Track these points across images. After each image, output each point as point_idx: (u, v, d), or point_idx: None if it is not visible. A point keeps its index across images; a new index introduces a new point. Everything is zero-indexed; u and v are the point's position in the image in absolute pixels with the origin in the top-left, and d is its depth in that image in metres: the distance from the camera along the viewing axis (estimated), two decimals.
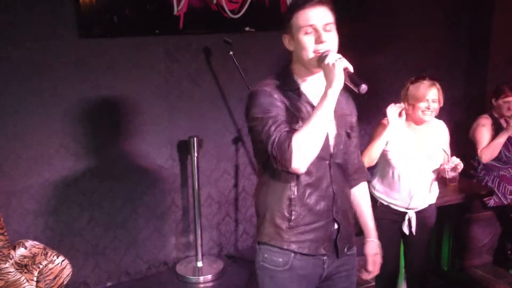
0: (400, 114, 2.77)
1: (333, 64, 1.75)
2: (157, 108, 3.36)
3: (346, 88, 1.80)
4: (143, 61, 3.26)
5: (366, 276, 2.21)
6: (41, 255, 2.67)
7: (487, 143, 3.65)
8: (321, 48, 1.80)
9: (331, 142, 1.94)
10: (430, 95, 2.76)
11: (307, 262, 1.95)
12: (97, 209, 3.31)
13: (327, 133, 1.90)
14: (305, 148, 1.75)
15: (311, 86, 1.91)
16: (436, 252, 3.75)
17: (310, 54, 1.82)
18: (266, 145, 1.77)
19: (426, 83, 2.78)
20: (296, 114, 1.85)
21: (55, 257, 2.69)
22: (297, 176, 1.87)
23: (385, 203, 2.94)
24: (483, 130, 3.72)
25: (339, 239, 1.98)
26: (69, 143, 3.14)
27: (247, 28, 3.45)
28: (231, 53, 3.16)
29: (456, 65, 4.36)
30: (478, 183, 3.74)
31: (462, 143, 3.68)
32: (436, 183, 2.94)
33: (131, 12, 3.13)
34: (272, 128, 1.78)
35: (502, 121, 3.74)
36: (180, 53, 3.38)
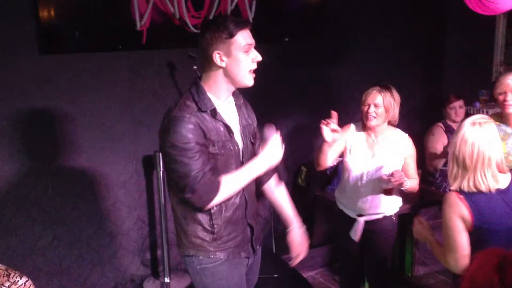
0: (334, 130, 2.48)
1: (277, 151, 2.09)
2: (122, 123, 3.34)
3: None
4: (106, 76, 3.24)
5: (294, 263, 2.37)
6: (3, 276, 2.59)
7: (435, 147, 3.85)
8: (254, 66, 2.03)
9: (240, 154, 2.14)
10: (371, 99, 2.82)
11: (232, 264, 2.17)
12: (60, 227, 3.25)
13: (237, 147, 2.12)
14: (226, 193, 2.03)
15: (224, 104, 2.10)
16: (399, 258, 3.85)
17: (246, 72, 2.02)
18: (184, 177, 1.95)
19: (373, 88, 2.86)
20: (212, 137, 2.01)
21: (18, 277, 2.61)
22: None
23: (340, 207, 3.03)
24: (432, 139, 3.93)
25: (254, 240, 2.24)
26: (29, 161, 3.08)
27: None
28: (195, 67, 3.18)
29: (413, 76, 4.51)
30: (437, 189, 3.88)
31: (421, 151, 3.82)
32: (397, 196, 3.00)
33: (93, 28, 3.11)
34: (192, 164, 1.94)
35: (456, 127, 3.93)
36: (144, 68, 3.38)
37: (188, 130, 1.94)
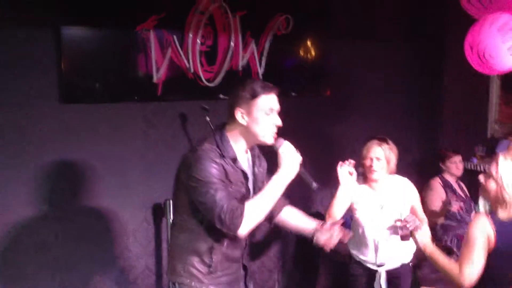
0: (350, 173, 2.85)
1: (293, 157, 2.14)
2: (134, 171, 3.42)
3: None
4: (121, 125, 3.36)
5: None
6: None
7: (434, 204, 3.94)
8: (274, 130, 2.16)
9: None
10: (373, 153, 2.93)
11: None
12: (69, 273, 3.25)
13: (249, 192, 2.23)
14: (254, 217, 2.10)
15: (242, 153, 2.23)
16: None
17: (266, 133, 2.15)
18: (212, 208, 2.06)
19: (372, 141, 2.96)
20: (231, 180, 2.14)
21: None
22: (218, 229, 2.12)
23: (357, 259, 3.07)
24: (430, 194, 4.03)
25: (247, 280, 2.37)
26: (46, 207, 3.13)
27: (221, 96, 3.64)
28: (208, 119, 3.30)
29: (410, 130, 4.68)
30: (438, 243, 3.94)
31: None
32: (411, 241, 3.06)
33: (112, 80, 3.26)
34: (218, 194, 2.06)
35: (453, 182, 4.05)
36: (157, 118, 3.50)
37: (212, 167, 2.08)
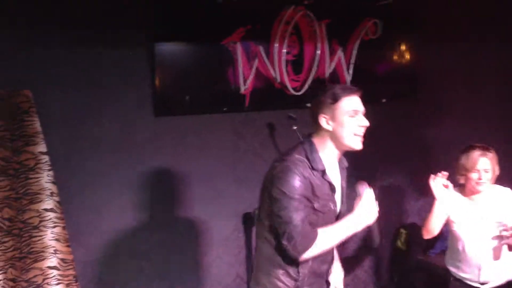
0: (445, 185, 2.73)
1: (371, 208, 2.13)
2: (224, 181, 3.50)
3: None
4: (211, 136, 3.45)
5: None
6: None
7: None
8: (362, 131, 2.12)
9: (337, 213, 2.22)
10: (481, 165, 2.73)
11: None
12: (163, 281, 3.38)
13: (335, 206, 2.20)
14: (320, 248, 2.08)
15: (331, 163, 2.19)
16: None
17: (352, 135, 2.10)
18: (286, 224, 2.03)
19: (476, 152, 2.75)
20: (317, 194, 2.10)
21: None
22: None
23: (457, 277, 2.87)
24: None
25: None
26: (141, 215, 3.29)
27: (308, 105, 3.61)
28: (295, 127, 3.30)
29: (508, 135, 4.32)
30: None
31: None
32: None
33: (202, 92, 3.37)
34: (297, 212, 2.03)
35: None
36: (245, 129, 3.56)
37: (298, 182, 2.05)
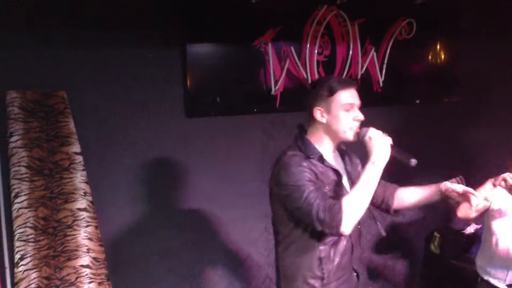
0: (486, 199, 2.60)
1: (382, 140, 2.01)
2: (253, 182, 3.49)
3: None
4: (241, 137, 3.45)
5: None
6: None
7: None
8: (357, 126, 2.08)
9: None
10: None
11: None
12: (194, 281, 3.40)
13: (345, 191, 2.13)
14: (354, 212, 1.97)
15: (329, 153, 2.15)
16: None
17: (347, 129, 2.07)
18: (309, 211, 1.96)
19: None
20: (323, 180, 2.06)
21: None
22: (323, 236, 2.06)
23: (485, 278, 2.81)
24: None
25: (360, 285, 2.23)
26: (172, 215, 3.31)
27: None
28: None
29: None
30: None
31: None
32: None
33: (232, 93, 3.36)
34: (312, 195, 1.97)
35: None
36: (276, 129, 3.54)
37: (300, 171, 2.02)
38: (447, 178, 3.71)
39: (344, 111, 2.08)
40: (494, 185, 2.54)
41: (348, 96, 2.09)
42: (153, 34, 3.07)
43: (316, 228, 1.99)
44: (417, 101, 3.79)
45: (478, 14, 3.85)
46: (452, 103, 3.90)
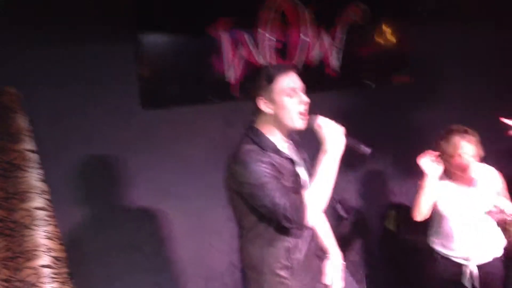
0: (434, 162, 2.77)
1: (334, 129, 2.00)
2: (216, 171, 3.41)
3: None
4: (201, 127, 3.43)
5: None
6: None
7: None
8: (304, 109, 2.03)
9: (307, 185, 2.10)
10: (465, 149, 2.74)
11: None
12: (157, 272, 3.38)
13: (303, 179, 2.13)
14: (317, 204, 2.00)
15: (282, 143, 2.12)
16: None
17: (294, 115, 2.03)
18: (274, 210, 1.96)
19: (457, 137, 2.75)
20: (282, 172, 2.03)
21: None
22: (289, 229, 2.06)
23: (444, 256, 2.92)
24: None
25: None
26: (132, 209, 3.27)
27: None
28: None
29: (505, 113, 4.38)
30: None
31: None
32: (499, 233, 2.90)
33: (189, 83, 3.33)
34: (276, 194, 1.95)
35: None
36: (236, 117, 3.51)
37: (259, 167, 1.98)
38: (400, 156, 3.83)
39: (287, 97, 2.03)
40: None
41: (288, 81, 2.04)
42: (103, 26, 2.98)
43: (283, 224, 1.99)
44: (373, 85, 3.87)
45: None
46: (404, 85, 3.99)
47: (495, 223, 2.86)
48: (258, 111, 2.10)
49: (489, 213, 2.79)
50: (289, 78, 2.05)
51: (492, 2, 4.07)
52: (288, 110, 2.03)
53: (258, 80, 2.06)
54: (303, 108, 2.04)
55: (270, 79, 2.03)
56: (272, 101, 2.04)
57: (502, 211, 2.73)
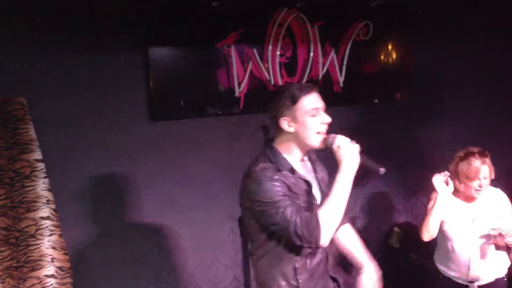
0: (446, 183, 2.80)
1: (350, 148, 2.02)
2: (219, 184, 3.49)
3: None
4: (206, 139, 3.44)
5: None
6: None
7: None
8: (325, 128, 2.07)
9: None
10: (483, 173, 2.75)
11: None
12: (161, 285, 3.38)
13: (316, 200, 2.13)
14: (331, 224, 1.99)
15: (298, 162, 2.14)
16: None
17: (314, 134, 2.06)
18: (286, 227, 1.97)
19: (477, 161, 2.74)
20: (296, 191, 2.05)
21: None
22: (300, 248, 2.07)
23: (446, 275, 2.92)
24: None
25: None
26: (136, 220, 3.27)
27: None
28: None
29: (504, 134, 4.39)
30: None
31: None
32: (504, 254, 2.89)
33: (196, 96, 3.35)
34: (288, 211, 1.97)
35: None
36: (240, 131, 3.56)
37: (273, 185, 2.00)
38: (403, 174, 3.84)
39: (310, 117, 2.06)
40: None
41: (311, 101, 2.06)
42: (115, 38, 3.02)
43: (295, 242, 2.00)
44: (376, 101, 3.90)
45: (432, 16, 3.96)
46: (407, 102, 4.02)
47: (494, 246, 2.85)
48: (278, 131, 2.14)
49: (486, 236, 2.78)
50: (312, 98, 2.08)
51: (495, 20, 4.11)
52: (309, 129, 2.07)
53: (281, 100, 2.08)
54: (324, 128, 2.08)
55: (295, 100, 2.06)
56: (294, 120, 2.07)
57: (500, 235, 2.72)
